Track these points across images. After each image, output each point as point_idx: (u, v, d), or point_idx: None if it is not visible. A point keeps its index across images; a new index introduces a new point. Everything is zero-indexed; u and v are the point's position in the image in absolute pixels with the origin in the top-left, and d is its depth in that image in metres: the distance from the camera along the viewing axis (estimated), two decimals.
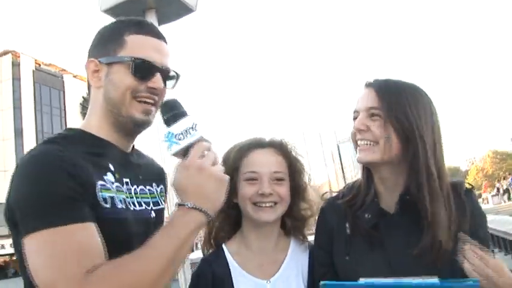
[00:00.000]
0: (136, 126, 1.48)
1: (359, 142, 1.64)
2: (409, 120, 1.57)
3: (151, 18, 2.78)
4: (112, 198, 1.36)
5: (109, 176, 1.40)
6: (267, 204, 1.79)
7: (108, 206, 1.33)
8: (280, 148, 1.89)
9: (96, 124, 1.49)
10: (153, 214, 1.54)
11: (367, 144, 1.62)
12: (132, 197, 1.47)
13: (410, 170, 1.59)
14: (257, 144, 1.89)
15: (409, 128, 1.57)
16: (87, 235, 1.22)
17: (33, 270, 1.18)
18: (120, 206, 1.38)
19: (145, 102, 1.46)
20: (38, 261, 1.18)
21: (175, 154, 1.33)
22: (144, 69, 1.45)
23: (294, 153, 1.92)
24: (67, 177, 1.24)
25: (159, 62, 1.47)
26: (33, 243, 1.18)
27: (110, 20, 1.66)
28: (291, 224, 1.92)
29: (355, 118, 1.67)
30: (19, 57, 45.51)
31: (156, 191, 1.63)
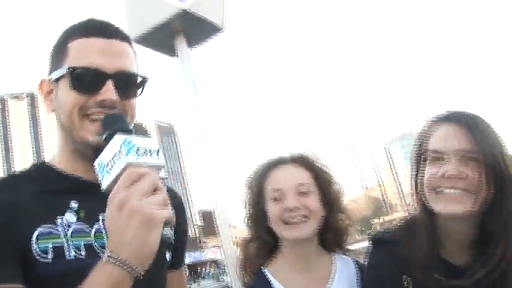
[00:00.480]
0: (95, 151, 1.09)
1: (449, 191, 1.38)
2: (498, 162, 1.36)
3: (181, 42, 2.76)
4: (57, 247, 1.07)
5: (67, 216, 1.12)
6: (297, 219, 1.69)
7: (48, 258, 1.06)
8: (302, 161, 1.81)
9: (58, 154, 1.23)
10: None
11: (461, 194, 1.36)
12: (100, 238, 1.14)
13: (487, 222, 1.38)
14: (277, 162, 1.82)
15: (498, 171, 1.35)
16: None
17: None
18: (71, 254, 1.09)
19: (98, 119, 1.15)
20: None
21: (109, 188, 1.00)
22: (87, 80, 1.15)
23: (318, 164, 1.82)
24: None
25: (109, 66, 1.16)
26: None
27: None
28: (330, 237, 1.82)
29: (436, 159, 1.42)
30: None
31: None
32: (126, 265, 0.92)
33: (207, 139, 2.71)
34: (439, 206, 1.38)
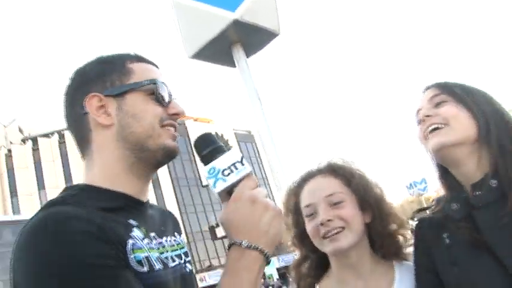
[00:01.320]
0: (167, 157, 1.25)
1: (427, 130, 1.53)
2: (476, 101, 1.52)
3: (239, 53, 2.76)
4: (147, 258, 1.12)
5: (136, 232, 1.15)
6: (333, 232, 1.62)
7: (145, 269, 1.10)
8: (331, 170, 1.74)
9: (105, 174, 1.22)
10: (188, 267, 1.31)
11: (437, 128, 1.51)
12: (163, 252, 1.21)
13: (488, 153, 1.48)
14: (306, 177, 1.77)
15: (477, 105, 1.51)
16: None
17: None
18: (158, 266, 1.14)
19: (172, 129, 1.28)
20: None
21: (221, 192, 1.15)
22: (165, 93, 1.27)
23: (349, 169, 1.74)
24: (99, 243, 1.01)
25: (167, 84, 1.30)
26: None
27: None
28: (380, 244, 1.72)
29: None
30: None
31: (182, 241, 1.37)
32: (261, 251, 1.07)
33: (274, 145, 2.69)
34: (430, 144, 1.52)
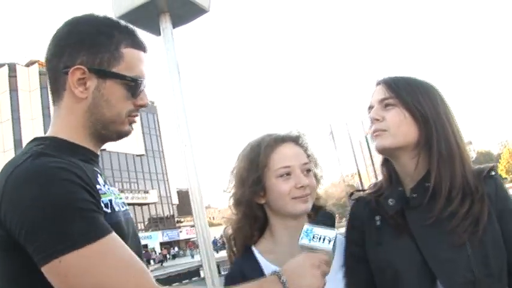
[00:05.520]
0: (120, 138, 1.45)
1: (374, 131, 1.68)
2: (422, 106, 1.63)
3: (166, 22, 2.76)
4: (110, 201, 1.31)
5: (100, 179, 1.34)
6: (306, 197, 1.79)
7: (109, 210, 1.28)
8: (299, 140, 1.89)
9: (70, 131, 1.37)
10: (130, 214, 1.49)
11: (381, 131, 1.65)
12: (116, 198, 1.39)
13: (428, 156, 1.63)
14: (280, 139, 1.86)
15: (422, 111, 1.63)
16: (123, 244, 1.19)
17: None
18: (117, 208, 1.34)
19: (134, 118, 1.45)
20: (94, 280, 1.10)
21: (301, 246, 1.44)
22: (140, 89, 1.41)
23: (308, 143, 1.92)
24: (83, 191, 1.17)
25: (144, 75, 1.43)
26: (77, 261, 1.09)
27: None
28: (312, 215, 1.90)
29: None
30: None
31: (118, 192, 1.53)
32: None
33: (186, 118, 2.73)
34: (374, 144, 1.68)
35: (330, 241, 1.42)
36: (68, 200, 1.13)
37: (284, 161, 1.80)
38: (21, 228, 1.10)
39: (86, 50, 1.33)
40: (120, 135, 1.44)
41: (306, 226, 1.46)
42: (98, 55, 1.34)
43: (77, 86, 1.33)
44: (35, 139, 1.35)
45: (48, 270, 1.10)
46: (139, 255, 1.40)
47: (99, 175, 1.35)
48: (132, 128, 1.46)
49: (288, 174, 1.79)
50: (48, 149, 1.27)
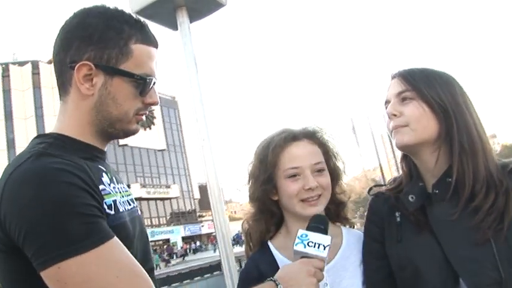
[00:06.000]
0: (126, 136, 1.42)
1: (393, 127, 1.61)
2: (441, 97, 1.57)
3: (183, 17, 2.76)
4: (114, 202, 1.26)
5: (105, 178, 1.30)
6: (315, 198, 1.74)
7: (112, 212, 1.23)
8: (315, 137, 1.84)
9: (76, 128, 1.33)
10: (138, 211, 1.46)
11: (401, 127, 1.59)
12: (123, 196, 1.36)
13: (449, 150, 1.56)
14: (292, 138, 1.81)
15: (441, 103, 1.56)
16: (124, 250, 1.15)
17: None
18: (121, 209, 1.29)
19: (142, 116, 1.40)
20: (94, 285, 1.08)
21: (296, 252, 1.43)
22: (149, 88, 1.36)
23: (327, 138, 1.86)
24: (84, 194, 1.13)
25: (155, 74, 1.38)
26: (77, 268, 1.06)
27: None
28: (333, 210, 1.88)
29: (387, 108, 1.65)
30: None
31: (128, 189, 1.49)
32: None
33: (204, 112, 2.73)
34: (394, 140, 1.62)
35: (325, 248, 1.41)
36: (67, 203, 1.09)
37: (293, 162, 1.77)
38: (20, 231, 1.07)
39: (94, 45, 1.28)
40: (127, 133, 1.39)
41: (301, 231, 1.45)
42: (105, 51, 1.29)
43: (83, 82, 1.29)
44: (39, 136, 1.32)
45: (47, 276, 1.07)
46: (147, 252, 1.40)
47: (104, 173, 1.31)
48: (139, 127, 1.42)
49: (297, 175, 1.76)
50: (50, 148, 1.23)
